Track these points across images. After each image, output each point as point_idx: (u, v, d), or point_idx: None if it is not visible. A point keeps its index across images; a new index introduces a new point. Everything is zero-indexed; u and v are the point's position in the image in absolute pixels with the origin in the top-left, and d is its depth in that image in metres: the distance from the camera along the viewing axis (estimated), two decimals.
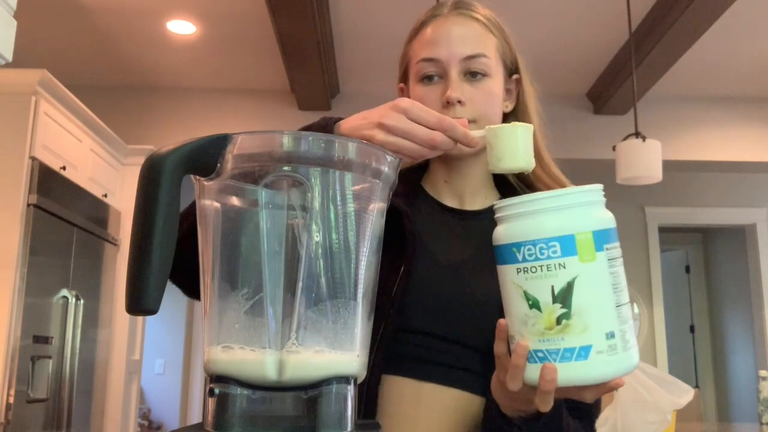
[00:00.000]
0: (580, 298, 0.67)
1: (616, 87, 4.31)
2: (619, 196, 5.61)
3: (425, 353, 0.92)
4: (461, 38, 0.97)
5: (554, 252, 0.67)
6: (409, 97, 1.02)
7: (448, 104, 0.95)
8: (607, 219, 0.71)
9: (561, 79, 4.51)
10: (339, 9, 3.66)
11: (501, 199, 1.05)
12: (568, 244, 0.67)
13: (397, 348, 0.91)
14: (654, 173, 3.21)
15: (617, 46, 4.04)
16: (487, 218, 1.05)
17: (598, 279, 0.68)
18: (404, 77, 1.06)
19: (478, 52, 0.97)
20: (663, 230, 5.90)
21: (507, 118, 1.05)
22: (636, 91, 3.56)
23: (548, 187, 1.03)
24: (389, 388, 0.91)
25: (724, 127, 4.72)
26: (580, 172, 5.89)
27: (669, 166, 3.96)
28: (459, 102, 0.95)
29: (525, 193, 1.04)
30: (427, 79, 0.98)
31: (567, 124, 4.70)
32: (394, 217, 0.90)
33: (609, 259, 0.69)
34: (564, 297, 0.67)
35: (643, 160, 3.18)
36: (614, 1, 3.48)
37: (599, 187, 0.73)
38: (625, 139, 3.28)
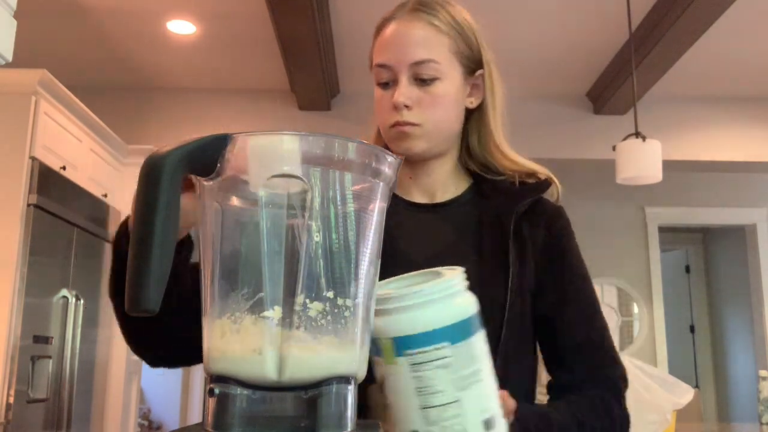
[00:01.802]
0: (389, 395, 0.74)
1: (616, 87, 4.31)
2: (619, 196, 5.61)
3: None
4: (411, 44, 0.99)
5: (372, 350, 0.71)
6: None
7: (395, 108, 0.98)
8: (423, 323, 0.72)
9: (561, 79, 4.51)
10: (339, 9, 3.66)
11: (472, 184, 1.08)
12: (376, 346, 0.72)
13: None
14: (654, 173, 3.21)
15: (617, 46, 4.04)
16: (461, 204, 1.06)
17: (399, 382, 0.73)
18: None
19: (425, 58, 0.98)
20: (663, 230, 5.90)
21: (472, 113, 1.06)
22: (636, 91, 3.56)
23: (513, 173, 1.05)
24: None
25: (724, 127, 4.72)
26: (580, 172, 5.90)
27: (669, 166, 3.95)
28: (406, 106, 0.98)
29: (491, 178, 1.06)
30: (383, 84, 1.01)
31: (567, 124, 4.70)
32: None
33: (412, 364, 0.72)
34: (382, 389, 0.75)
35: (643, 160, 3.18)
36: (614, 1, 3.48)
37: (436, 288, 0.74)
38: (625, 139, 3.28)
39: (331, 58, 4.14)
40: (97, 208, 3.62)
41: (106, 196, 3.73)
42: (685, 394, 1.73)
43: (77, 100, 3.39)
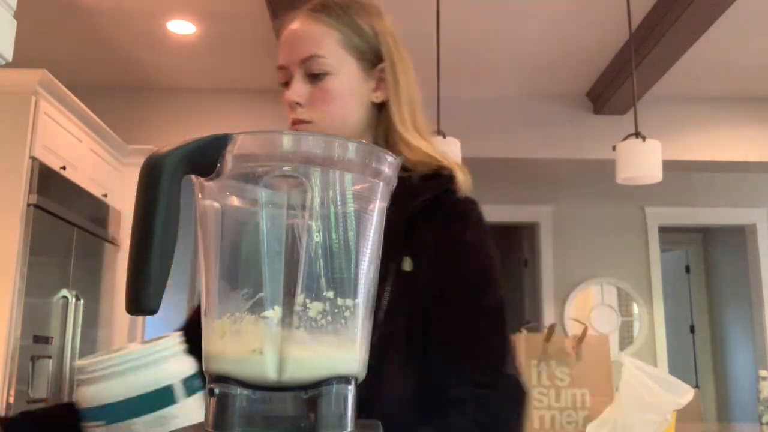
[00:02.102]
0: None
1: (616, 87, 4.31)
2: (619, 196, 5.61)
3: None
4: (298, 42, 1.00)
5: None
6: None
7: (290, 106, 1.00)
8: (89, 399, 0.73)
9: (561, 79, 4.51)
10: None
11: None
12: None
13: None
14: (654, 173, 3.21)
15: (617, 46, 4.04)
16: None
17: None
18: None
19: (312, 53, 0.98)
20: (663, 230, 5.89)
21: (380, 108, 1.03)
22: (636, 91, 3.56)
23: (421, 168, 1.00)
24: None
25: (724, 127, 4.72)
26: (581, 172, 5.90)
27: (669, 166, 3.95)
28: (298, 104, 0.99)
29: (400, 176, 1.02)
30: (283, 84, 1.02)
31: (567, 124, 4.70)
32: None
33: None
34: None
35: (643, 160, 3.18)
36: (614, 1, 3.48)
37: (111, 363, 0.73)
38: (625, 139, 3.28)
39: None
40: (97, 208, 3.62)
41: (106, 196, 3.73)
42: (685, 394, 1.73)
43: (77, 100, 3.39)
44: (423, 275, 0.94)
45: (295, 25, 1.01)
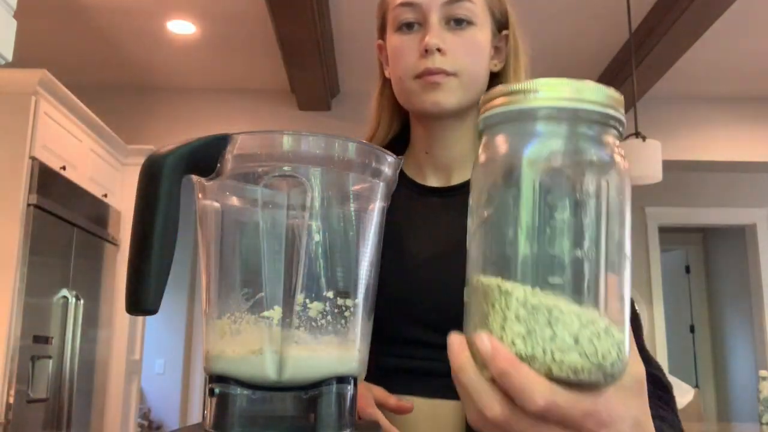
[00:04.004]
0: None
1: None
2: None
3: (406, 362, 0.85)
4: None
5: None
6: (386, 51, 0.92)
7: (426, 53, 0.85)
8: None
9: None
10: (339, 9, 3.66)
11: None
12: None
13: (376, 359, 0.73)
14: (654, 173, 3.21)
15: (617, 46, 4.04)
16: None
17: None
18: (382, 30, 0.96)
19: None
20: (663, 230, 5.90)
21: (495, 78, 0.94)
22: (636, 91, 3.56)
23: None
24: None
25: (724, 127, 4.72)
26: None
27: (669, 166, 3.95)
28: (439, 50, 0.85)
29: None
30: (406, 27, 0.88)
31: None
32: None
33: None
34: None
35: (643, 160, 3.18)
36: (614, 1, 3.48)
37: None
38: (625, 139, 3.28)
39: (331, 58, 4.13)
40: (97, 208, 3.62)
41: (106, 196, 3.73)
42: (685, 394, 1.73)
43: (77, 100, 3.39)
44: None
45: None
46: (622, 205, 0.50)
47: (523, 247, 0.44)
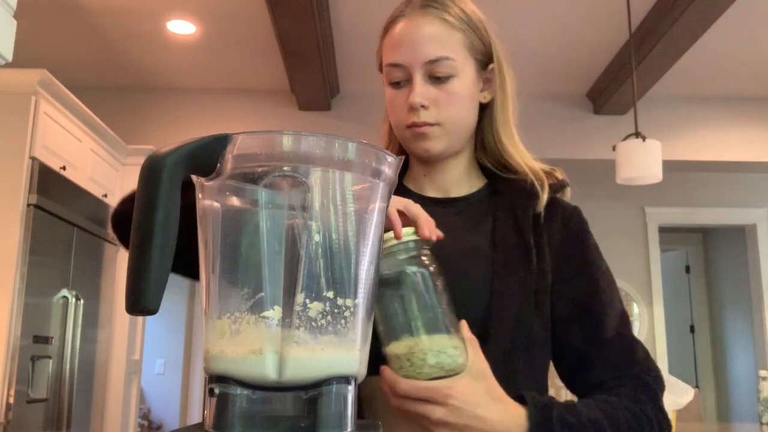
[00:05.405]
0: None
1: (616, 87, 4.31)
2: (619, 196, 5.61)
3: None
4: (424, 41, 0.96)
5: None
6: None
7: (412, 109, 0.96)
8: None
9: (561, 79, 4.51)
10: (339, 9, 3.66)
11: (487, 183, 1.05)
12: None
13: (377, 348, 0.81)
14: (654, 173, 3.21)
15: (617, 46, 4.04)
16: (475, 200, 1.03)
17: None
18: (381, 70, 1.05)
19: (440, 55, 0.95)
20: (663, 230, 5.90)
21: (486, 108, 1.03)
22: (636, 91, 3.56)
23: (527, 171, 1.02)
24: (369, 387, 0.84)
25: (725, 127, 4.72)
26: (580, 172, 5.94)
27: (669, 166, 3.96)
28: (422, 106, 0.96)
29: (505, 177, 1.03)
30: (395, 84, 0.99)
31: (567, 124, 4.70)
32: None
33: None
34: None
35: (643, 160, 3.18)
36: (614, 1, 3.48)
37: None
38: (625, 139, 3.28)
39: (331, 58, 4.14)
40: (97, 208, 3.62)
41: (106, 196, 3.73)
42: (685, 394, 1.73)
43: (77, 100, 3.39)
44: (549, 273, 0.96)
45: (416, 22, 0.97)
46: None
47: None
